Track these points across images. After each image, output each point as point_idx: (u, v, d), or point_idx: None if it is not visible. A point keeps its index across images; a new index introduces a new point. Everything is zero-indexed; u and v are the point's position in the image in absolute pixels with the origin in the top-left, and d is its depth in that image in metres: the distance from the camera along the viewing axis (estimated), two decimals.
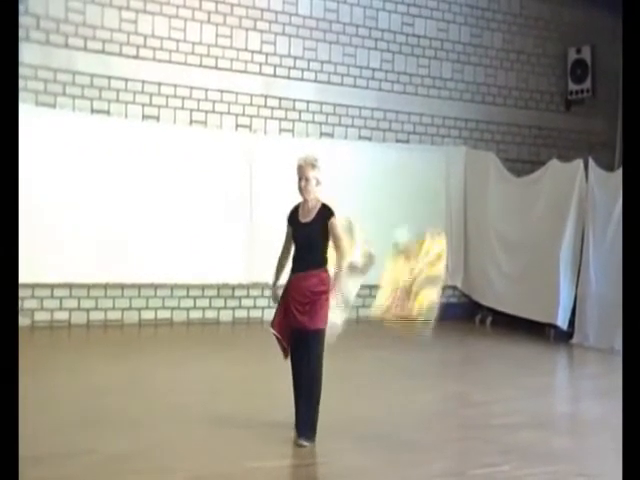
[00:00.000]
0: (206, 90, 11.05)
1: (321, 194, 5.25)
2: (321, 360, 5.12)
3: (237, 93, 11.25)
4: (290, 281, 5.24)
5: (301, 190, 5.21)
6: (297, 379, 5.18)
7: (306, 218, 5.21)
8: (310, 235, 5.17)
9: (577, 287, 10.30)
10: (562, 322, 10.36)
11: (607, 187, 9.93)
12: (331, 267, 5.19)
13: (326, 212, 5.17)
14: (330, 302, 5.10)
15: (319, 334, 5.11)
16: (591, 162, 10.24)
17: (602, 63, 12.89)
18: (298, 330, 5.12)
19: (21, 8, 9.83)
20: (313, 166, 5.16)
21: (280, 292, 5.31)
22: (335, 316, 5.09)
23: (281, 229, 5.46)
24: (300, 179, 5.19)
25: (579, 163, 10.44)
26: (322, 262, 5.19)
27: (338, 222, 5.17)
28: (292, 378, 5.23)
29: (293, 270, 5.25)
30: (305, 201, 5.24)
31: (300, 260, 5.21)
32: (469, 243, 12.58)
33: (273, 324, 5.24)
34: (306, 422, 5.04)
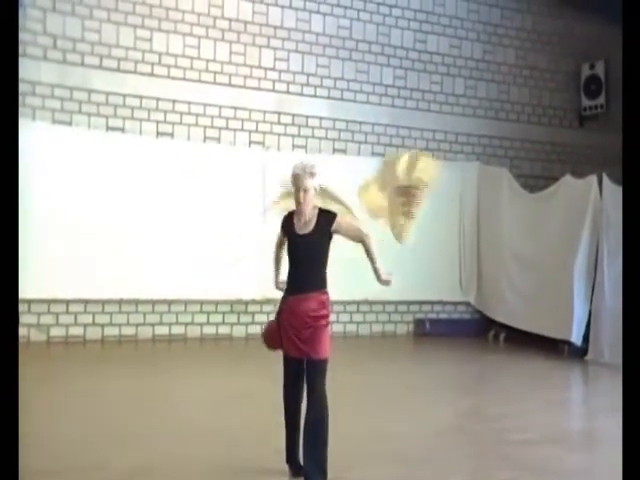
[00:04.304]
0: (220, 107, 11.13)
1: (318, 202, 4.75)
2: (325, 395, 4.49)
3: (250, 110, 11.33)
4: (285, 304, 4.62)
5: (299, 202, 4.57)
6: (294, 417, 4.66)
7: (304, 230, 4.59)
8: (311, 248, 4.57)
9: (591, 303, 10.23)
10: (576, 338, 10.30)
11: (621, 203, 9.86)
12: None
13: (328, 217, 4.61)
14: (329, 329, 4.60)
15: (323, 365, 4.51)
16: (605, 178, 10.20)
17: (616, 79, 12.85)
18: (297, 361, 4.58)
19: (39, 28, 10.00)
20: (312, 175, 4.56)
21: (283, 286, 4.74)
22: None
23: None
24: (297, 190, 4.55)
25: (593, 179, 10.40)
26: (322, 282, 4.61)
27: (342, 216, 4.69)
28: (286, 415, 4.70)
29: (289, 291, 4.63)
30: (301, 213, 4.61)
31: (297, 279, 4.60)
32: (482, 259, 12.55)
33: (266, 336, 4.76)
34: (316, 469, 4.42)
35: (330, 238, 4.62)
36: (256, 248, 10.76)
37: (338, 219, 4.61)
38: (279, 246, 4.89)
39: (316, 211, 4.63)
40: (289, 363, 4.66)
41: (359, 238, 4.67)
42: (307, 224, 4.60)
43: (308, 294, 4.53)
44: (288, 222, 4.70)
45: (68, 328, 10.14)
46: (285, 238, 4.74)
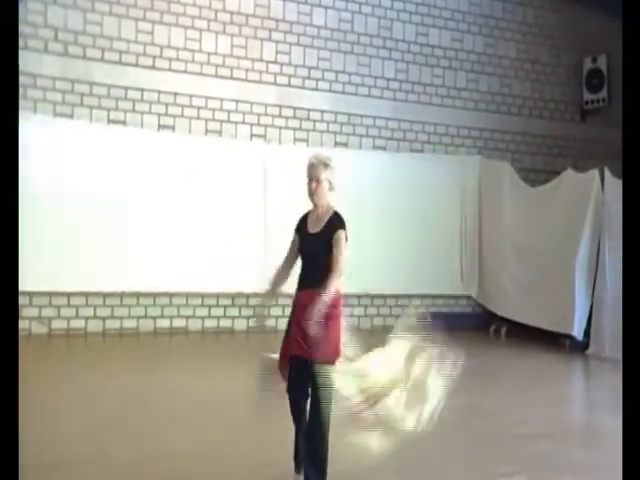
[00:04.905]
0: (221, 100, 11.12)
1: (334, 201, 4.52)
2: (331, 399, 4.22)
3: (252, 103, 11.31)
4: (295, 299, 4.45)
5: (311, 194, 4.41)
6: (298, 418, 4.43)
7: (315, 228, 4.40)
8: (317, 248, 4.34)
9: (593, 297, 10.24)
10: (577, 332, 10.30)
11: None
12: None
13: (336, 222, 4.36)
14: (341, 328, 4.32)
15: (329, 369, 4.26)
16: (607, 172, 10.19)
17: (618, 72, 12.80)
18: (300, 360, 4.30)
19: (40, 20, 9.98)
20: (326, 166, 4.38)
21: (266, 312, 4.51)
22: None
23: None
24: (310, 180, 4.39)
25: (595, 173, 10.39)
26: None
27: (343, 236, 4.32)
28: (291, 414, 4.47)
29: (299, 287, 4.45)
30: (315, 207, 4.45)
31: (305, 277, 4.41)
32: (483, 253, 12.55)
33: (280, 361, 4.52)
34: (315, 473, 4.27)
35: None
36: (257, 241, 10.80)
37: (340, 233, 4.31)
38: (285, 264, 4.61)
39: (331, 212, 4.41)
40: (293, 363, 4.40)
41: (332, 268, 4.24)
42: (318, 221, 4.41)
43: (313, 291, 4.23)
44: (302, 222, 4.53)
45: (69, 321, 10.15)
46: (297, 238, 4.53)
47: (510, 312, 11.70)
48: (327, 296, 4.14)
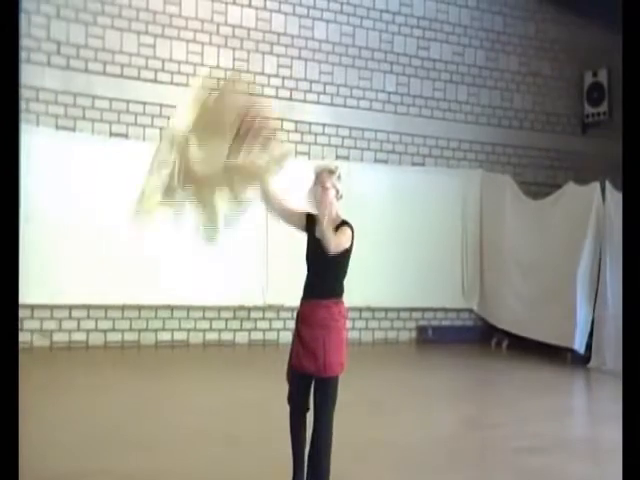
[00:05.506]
0: None
1: (341, 211, 4.43)
2: (332, 415, 4.20)
3: None
4: (300, 308, 4.38)
5: (317, 200, 4.29)
6: (297, 431, 4.34)
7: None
8: (323, 255, 4.17)
9: (594, 311, 10.22)
10: (579, 346, 10.28)
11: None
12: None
13: (343, 227, 4.27)
14: (341, 342, 4.22)
15: (331, 383, 4.19)
16: (608, 185, 10.20)
17: (619, 86, 12.84)
18: (302, 373, 4.25)
19: (42, 34, 10.03)
20: (331, 172, 4.31)
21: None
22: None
23: (296, 251, 4.91)
24: (316, 186, 4.34)
25: (596, 186, 10.41)
26: (335, 291, 4.31)
27: (349, 231, 4.25)
28: (290, 426, 4.36)
29: (303, 297, 4.38)
30: (322, 214, 4.28)
31: (309, 286, 4.35)
32: (485, 266, 12.54)
33: (287, 373, 4.43)
34: None
35: (347, 249, 4.28)
36: (258, 254, 10.80)
37: (345, 228, 4.25)
38: (287, 210, 4.47)
39: (339, 221, 4.32)
40: (295, 375, 4.32)
41: (335, 236, 4.19)
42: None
43: (319, 301, 4.24)
44: (312, 220, 4.39)
45: (71, 333, 10.14)
46: (304, 217, 4.42)
47: (511, 325, 11.68)
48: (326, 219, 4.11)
